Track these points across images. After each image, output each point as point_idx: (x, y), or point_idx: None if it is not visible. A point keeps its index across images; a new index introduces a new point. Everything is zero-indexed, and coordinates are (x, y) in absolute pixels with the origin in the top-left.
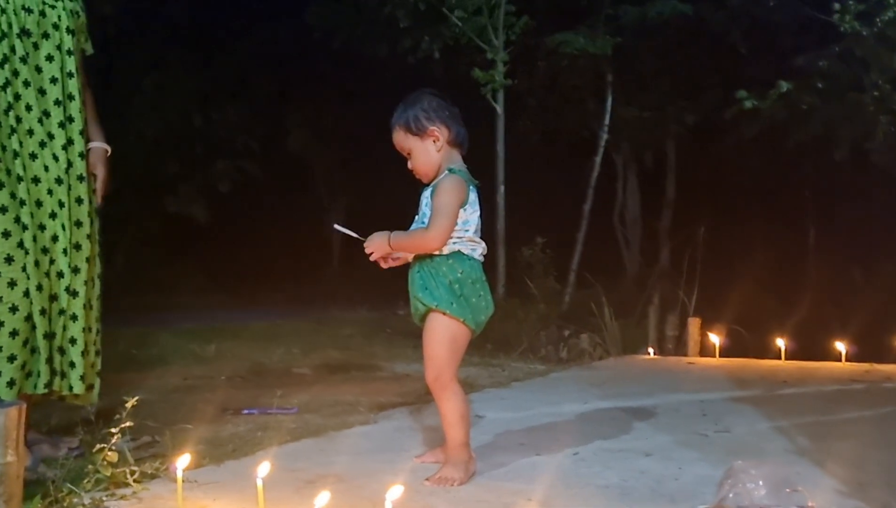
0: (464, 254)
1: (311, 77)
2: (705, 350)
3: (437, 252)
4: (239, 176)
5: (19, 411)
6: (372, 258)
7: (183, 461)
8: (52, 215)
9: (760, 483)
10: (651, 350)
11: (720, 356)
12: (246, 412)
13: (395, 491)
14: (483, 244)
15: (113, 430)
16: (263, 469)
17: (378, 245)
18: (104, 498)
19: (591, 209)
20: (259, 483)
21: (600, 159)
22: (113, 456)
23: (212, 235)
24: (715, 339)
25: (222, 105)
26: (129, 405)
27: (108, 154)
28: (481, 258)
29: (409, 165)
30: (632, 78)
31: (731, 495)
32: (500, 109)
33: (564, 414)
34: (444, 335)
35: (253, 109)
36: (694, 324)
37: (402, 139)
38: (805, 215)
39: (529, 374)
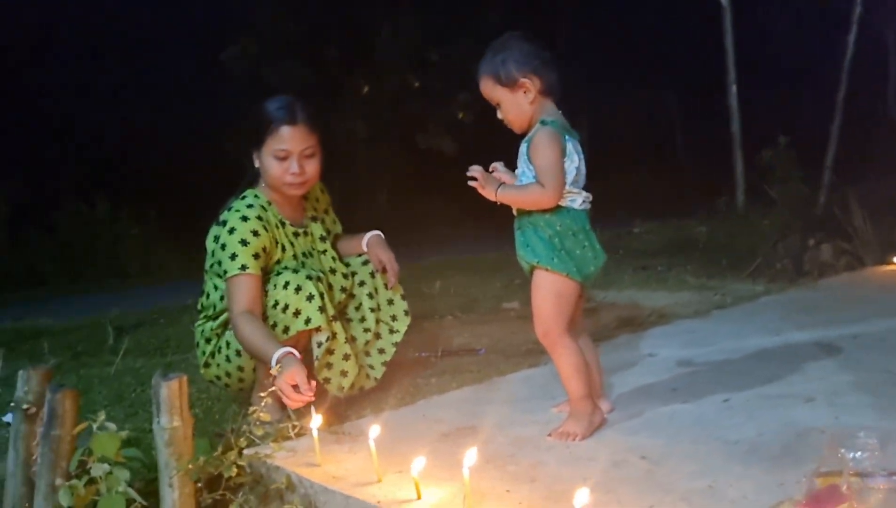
0: (562, 206)
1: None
2: None
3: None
4: (480, 106)
5: (180, 382)
6: (470, 182)
7: (316, 421)
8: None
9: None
10: None
11: None
12: (423, 354)
13: (471, 456)
14: (584, 194)
15: (262, 394)
16: (374, 431)
17: (487, 192)
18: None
19: (846, 97)
20: (371, 445)
21: (854, 38)
22: (266, 416)
23: (460, 167)
24: None
25: (456, 38)
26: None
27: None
28: (584, 207)
29: (499, 116)
30: None
31: (850, 460)
32: (725, 0)
33: (743, 350)
34: (549, 291)
35: (483, 42)
36: None
37: (491, 90)
38: None
39: (741, 298)
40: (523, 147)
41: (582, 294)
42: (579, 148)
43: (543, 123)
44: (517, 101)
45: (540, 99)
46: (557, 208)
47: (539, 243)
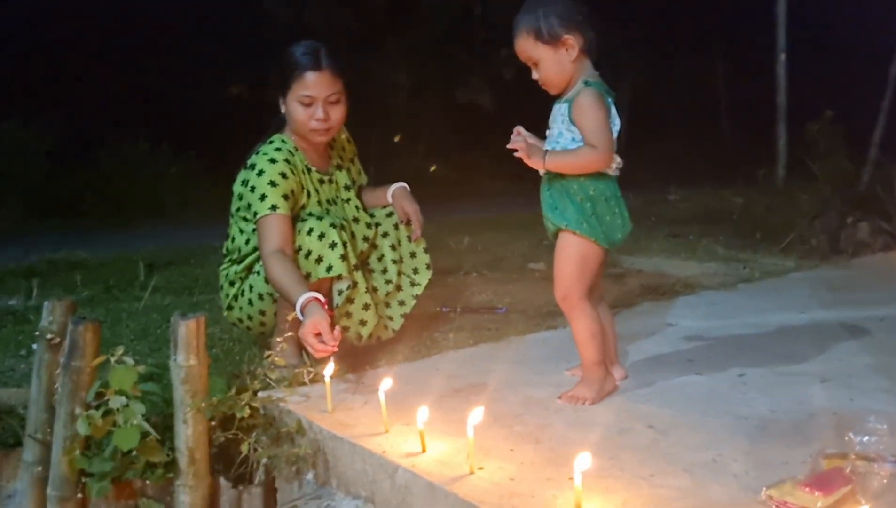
0: (597, 171)
1: None
2: None
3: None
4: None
5: (198, 322)
6: (516, 154)
7: (329, 369)
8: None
9: (884, 435)
10: None
11: None
12: (443, 309)
13: (477, 415)
14: (618, 159)
15: (279, 339)
16: (385, 384)
17: (534, 162)
18: (279, 396)
19: None
20: (381, 397)
21: None
22: (281, 360)
23: (497, 123)
24: None
25: None
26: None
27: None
28: (616, 173)
29: (535, 76)
30: None
31: (856, 443)
32: None
33: (765, 326)
34: (573, 255)
35: None
36: None
37: (531, 48)
38: None
39: (769, 273)
40: (562, 108)
41: (604, 261)
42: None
43: (587, 83)
44: (559, 59)
45: (581, 57)
46: (593, 173)
47: (570, 206)
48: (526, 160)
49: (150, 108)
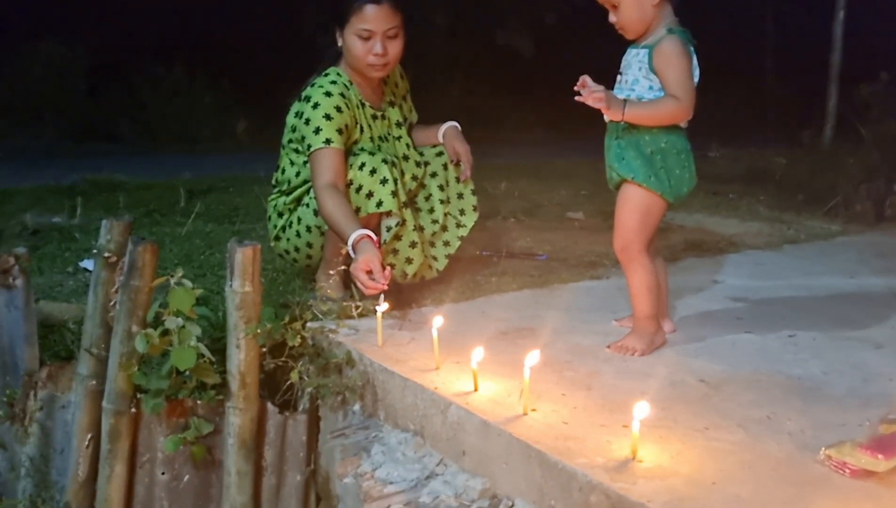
0: (669, 124)
1: None
2: None
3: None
4: (564, 6)
5: (254, 250)
6: (590, 103)
7: (382, 307)
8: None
9: None
10: None
11: None
12: (485, 253)
13: (534, 357)
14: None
15: (330, 271)
16: (437, 321)
17: (612, 113)
18: (329, 328)
19: None
20: (434, 333)
21: None
22: (332, 292)
23: (535, 69)
24: None
25: None
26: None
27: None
28: (686, 125)
29: (611, 19)
30: None
31: None
32: None
33: (815, 289)
34: (637, 207)
35: None
36: None
37: None
38: None
39: (815, 236)
40: (640, 54)
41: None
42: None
43: (671, 31)
44: (640, 2)
45: (662, 3)
46: (667, 125)
47: (638, 158)
48: (605, 112)
49: (186, 35)
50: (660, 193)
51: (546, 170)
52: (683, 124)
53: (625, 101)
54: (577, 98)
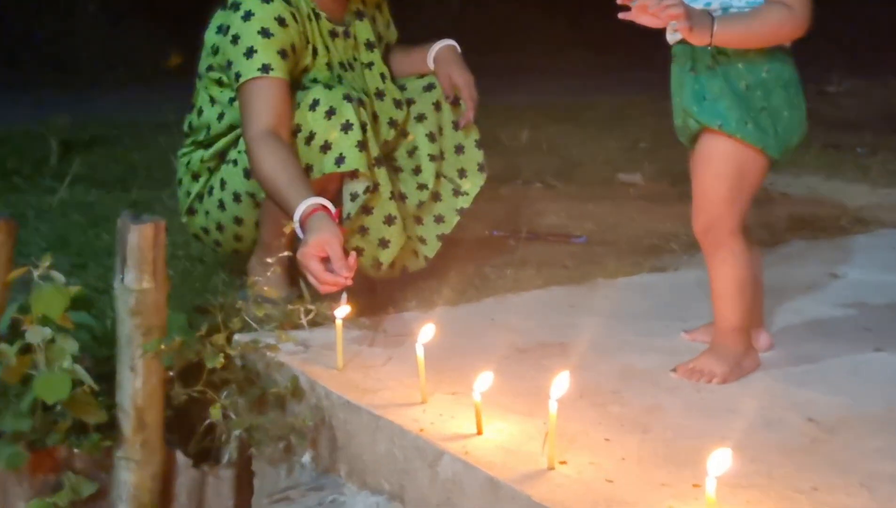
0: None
1: None
2: None
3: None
4: None
5: (156, 229)
6: (655, 22)
7: (342, 310)
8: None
9: None
10: None
11: None
12: (497, 233)
13: (561, 384)
14: None
15: (269, 260)
16: (426, 332)
17: (698, 35)
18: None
19: None
20: (419, 351)
21: None
22: (271, 292)
23: None
24: None
25: None
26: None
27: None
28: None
29: None
30: None
31: None
32: None
33: None
34: (728, 168)
35: None
36: None
37: None
38: None
39: None
40: None
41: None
42: None
43: None
44: None
45: None
46: (770, 47)
47: (729, 96)
48: (686, 34)
49: None
50: (760, 146)
51: (587, 113)
52: (788, 45)
53: (710, 15)
54: (623, 15)
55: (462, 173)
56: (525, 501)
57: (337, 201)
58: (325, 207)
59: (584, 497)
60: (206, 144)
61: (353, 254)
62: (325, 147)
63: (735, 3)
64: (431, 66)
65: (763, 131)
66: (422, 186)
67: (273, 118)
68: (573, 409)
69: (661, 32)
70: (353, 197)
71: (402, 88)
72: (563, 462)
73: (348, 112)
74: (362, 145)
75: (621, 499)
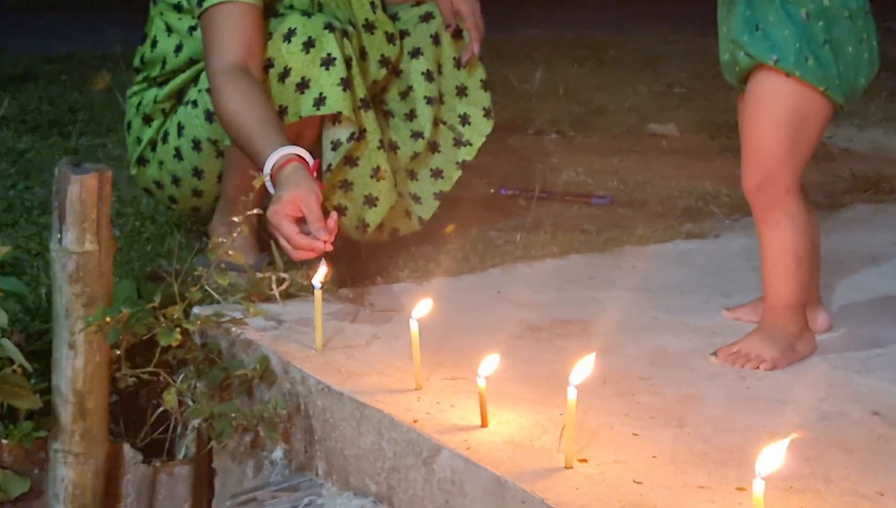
0: None
1: None
2: None
3: None
4: None
5: (100, 180)
6: None
7: (319, 274)
8: None
9: None
10: None
11: None
12: (504, 191)
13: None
14: None
15: (236, 218)
16: (421, 307)
17: None
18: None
19: None
20: (413, 327)
21: None
22: (237, 256)
23: None
24: None
25: None
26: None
27: None
28: None
29: None
30: None
31: None
32: None
33: None
34: (784, 113)
35: None
36: None
37: None
38: None
39: None
40: None
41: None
42: None
43: None
44: None
45: None
46: None
47: (787, 26)
48: None
49: None
50: (822, 86)
51: (613, 50)
52: None
53: None
54: None
55: (464, 120)
56: (537, 505)
57: (315, 150)
58: (301, 157)
59: (608, 500)
60: (161, 82)
61: (333, 214)
62: (303, 85)
63: None
64: None
65: (824, 68)
66: (417, 135)
67: (241, 50)
68: (595, 398)
69: None
70: (335, 146)
71: (394, 18)
72: (582, 461)
73: (330, 44)
74: (346, 84)
75: (651, 504)
